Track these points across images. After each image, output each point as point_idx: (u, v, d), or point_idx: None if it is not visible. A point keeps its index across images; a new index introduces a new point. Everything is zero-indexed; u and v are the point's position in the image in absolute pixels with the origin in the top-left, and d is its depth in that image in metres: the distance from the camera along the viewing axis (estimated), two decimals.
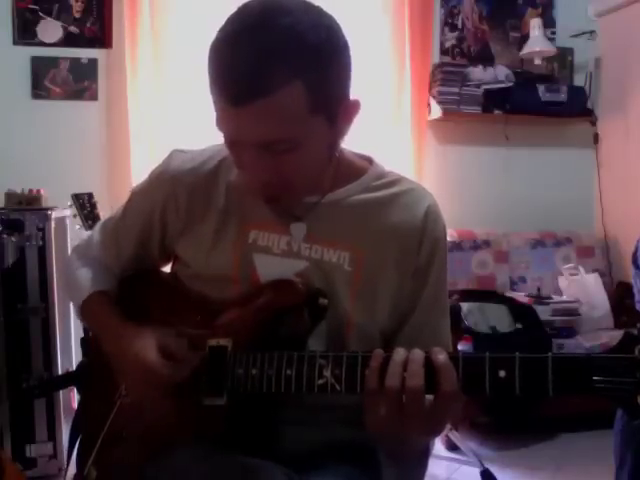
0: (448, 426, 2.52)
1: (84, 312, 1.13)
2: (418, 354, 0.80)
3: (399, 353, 0.81)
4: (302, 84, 0.83)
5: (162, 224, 1.07)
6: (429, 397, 0.79)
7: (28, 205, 2.47)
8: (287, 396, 0.90)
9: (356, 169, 1.05)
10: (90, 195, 2.25)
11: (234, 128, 0.87)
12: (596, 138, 3.68)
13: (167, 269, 1.17)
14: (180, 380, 0.93)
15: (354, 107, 0.94)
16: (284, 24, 0.83)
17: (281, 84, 0.82)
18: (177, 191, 1.04)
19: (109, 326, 1.07)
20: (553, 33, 3.64)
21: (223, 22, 0.87)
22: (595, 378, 0.72)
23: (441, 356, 0.79)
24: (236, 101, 0.83)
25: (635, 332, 0.73)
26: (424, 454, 1.02)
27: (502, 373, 0.76)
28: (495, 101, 3.38)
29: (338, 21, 0.90)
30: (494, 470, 2.46)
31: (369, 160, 1.08)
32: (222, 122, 0.88)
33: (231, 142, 0.91)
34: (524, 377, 0.75)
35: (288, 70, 0.82)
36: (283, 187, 0.93)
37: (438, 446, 2.68)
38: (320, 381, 0.85)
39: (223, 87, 0.84)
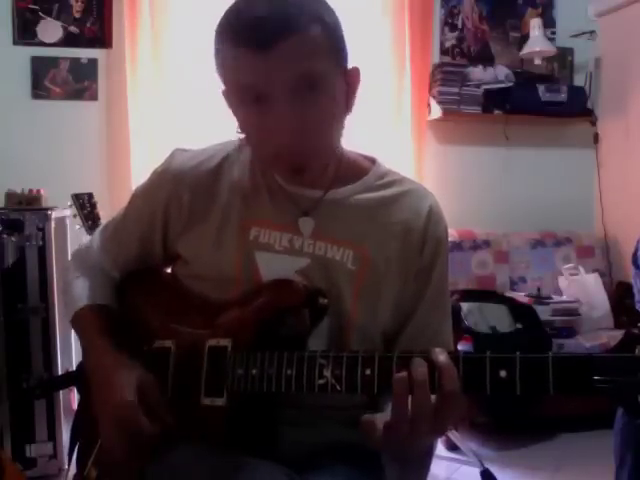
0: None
1: (74, 325, 1.11)
2: (420, 364, 0.78)
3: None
4: (321, 27, 0.88)
5: (164, 223, 1.07)
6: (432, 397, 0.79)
7: (28, 205, 2.47)
8: (287, 396, 0.90)
9: (359, 169, 1.05)
10: (90, 195, 2.25)
11: (263, 74, 0.87)
12: (596, 138, 3.69)
13: (168, 270, 1.16)
14: (150, 435, 0.91)
15: (357, 74, 0.97)
16: None
17: (308, 23, 0.87)
18: (179, 190, 1.04)
19: (94, 347, 1.05)
20: (553, 33, 3.64)
21: None
22: (596, 377, 0.72)
23: (442, 356, 0.78)
24: (266, 44, 0.85)
25: (636, 332, 0.73)
26: (427, 454, 1.02)
27: (503, 373, 0.75)
28: (495, 101, 3.38)
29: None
30: (494, 470, 2.46)
31: (372, 160, 1.08)
32: (247, 75, 0.88)
33: (256, 96, 0.89)
34: (525, 377, 0.75)
35: (310, 13, 0.88)
36: (307, 144, 0.91)
37: (438, 446, 2.67)
38: (320, 381, 0.85)
39: (251, 34, 0.86)
